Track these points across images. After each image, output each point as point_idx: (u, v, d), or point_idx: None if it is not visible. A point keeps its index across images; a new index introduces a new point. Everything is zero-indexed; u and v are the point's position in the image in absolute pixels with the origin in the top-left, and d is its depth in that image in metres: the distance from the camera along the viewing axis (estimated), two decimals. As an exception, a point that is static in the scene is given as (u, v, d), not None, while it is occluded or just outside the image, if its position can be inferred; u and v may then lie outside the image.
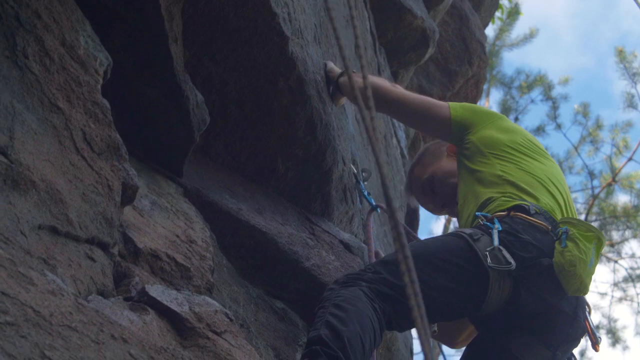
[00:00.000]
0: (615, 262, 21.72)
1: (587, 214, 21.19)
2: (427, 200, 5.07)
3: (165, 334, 2.74)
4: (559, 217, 4.28)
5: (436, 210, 5.13)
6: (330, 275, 4.35)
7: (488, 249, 3.92)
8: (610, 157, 21.17)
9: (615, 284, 22.02)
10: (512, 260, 3.87)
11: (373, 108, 1.82)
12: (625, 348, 21.89)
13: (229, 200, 4.11)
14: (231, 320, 3.10)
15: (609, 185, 21.09)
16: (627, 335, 21.89)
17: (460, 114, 4.68)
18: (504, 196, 4.28)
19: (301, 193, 4.71)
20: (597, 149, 21.46)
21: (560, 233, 4.02)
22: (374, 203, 5.00)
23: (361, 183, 5.07)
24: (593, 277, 4.16)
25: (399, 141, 8.04)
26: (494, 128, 4.67)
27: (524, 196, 4.29)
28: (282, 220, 4.41)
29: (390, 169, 7.03)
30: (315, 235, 4.57)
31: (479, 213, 4.18)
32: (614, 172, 20.97)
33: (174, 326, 2.82)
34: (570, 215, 4.44)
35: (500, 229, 4.01)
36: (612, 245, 21.61)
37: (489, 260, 3.88)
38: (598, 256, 4.13)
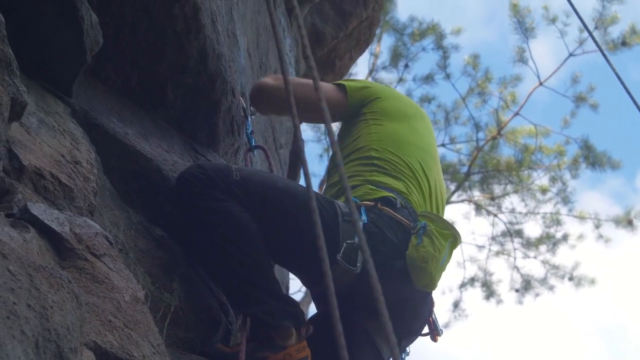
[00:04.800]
0: (495, 215, 22.18)
1: (470, 166, 21.55)
2: None
3: (45, 252, 2.74)
4: (423, 204, 4.39)
5: None
6: (211, 206, 4.38)
7: (348, 241, 3.99)
8: (497, 111, 21.48)
9: (493, 238, 22.51)
10: (359, 264, 3.90)
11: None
12: (499, 302, 22.50)
13: (116, 124, 4.09)
14: (111, 243, 3.12)
15: (494, 138, 21.44)
16: (502, 289, 22.43)
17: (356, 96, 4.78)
18: (371, 184, 4.33)
19: (188, 122, 4.71)
20: (484, 102, 21.73)
21: (418, 227, 4.10)
22: (254, 143, 5.04)
23: (248, 118, 5.10)
24: (443, 273, 4.25)
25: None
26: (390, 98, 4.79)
27: (390, 181, 4.35)
28: (167, 148, 4.42)
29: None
30: (199, 165, 4.57)
31: (355, 199, 4.19)
32: (500, 126, 21.30)
33: (53, 246, 2.82)
34: (440, 196, 4.55)
35: (366, 221, 4.07)
36: (492, 199, 22.05)
37: (340, 254, 3.94)
38: (451, 254, 4.24)
